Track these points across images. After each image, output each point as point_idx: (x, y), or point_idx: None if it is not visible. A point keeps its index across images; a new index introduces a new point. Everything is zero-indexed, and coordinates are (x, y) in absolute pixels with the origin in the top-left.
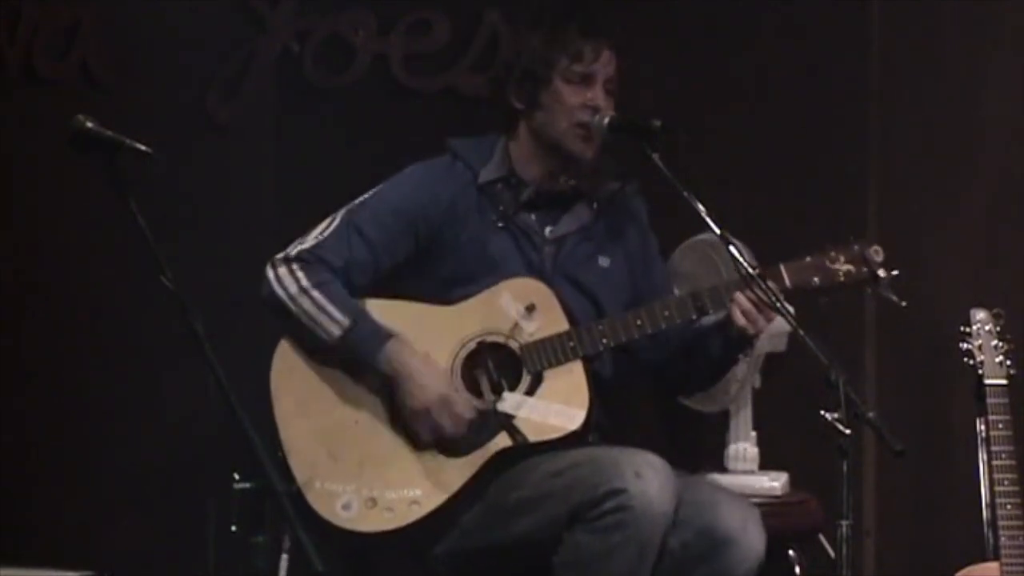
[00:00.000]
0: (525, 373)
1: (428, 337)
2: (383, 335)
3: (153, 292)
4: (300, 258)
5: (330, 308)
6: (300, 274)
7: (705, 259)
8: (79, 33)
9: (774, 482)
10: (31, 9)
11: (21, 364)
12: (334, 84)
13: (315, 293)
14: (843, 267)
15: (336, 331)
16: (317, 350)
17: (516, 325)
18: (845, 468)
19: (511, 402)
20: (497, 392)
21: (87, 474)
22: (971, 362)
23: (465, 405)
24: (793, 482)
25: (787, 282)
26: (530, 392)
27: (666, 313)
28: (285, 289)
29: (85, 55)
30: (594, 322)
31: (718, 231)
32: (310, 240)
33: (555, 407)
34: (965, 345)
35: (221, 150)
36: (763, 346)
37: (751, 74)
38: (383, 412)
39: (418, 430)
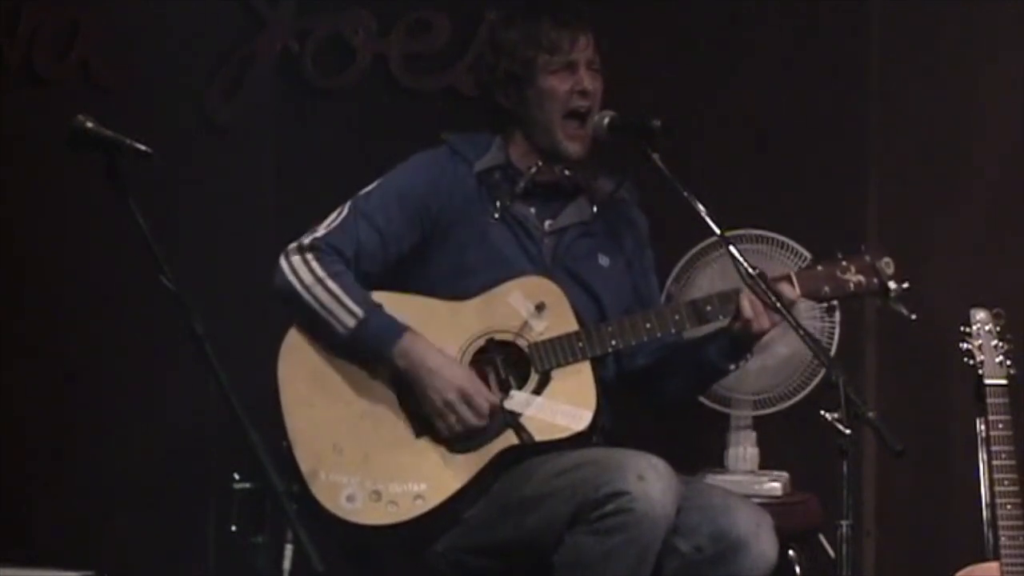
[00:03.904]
0: (533, 372)
1: (436, 332)
2: (398, 328)
3: (153, 292)
4: (314, 247)
5: (345, 299)
6: (315, 264)
7: (759, 255)
8: (79, 33)
9: (774, 482)
10: (31, 9)
11: (21, 364)
12: (334, 84)
13: (330, 283)
14: (853, 277)
15: (351, 322)
16: (328, 342)
17: (525, 323)
18: (845, 468)
19: (518, 400)
20: (504, 390)
21: (87, 474)
22: (971, 362)
23: (485, 395)
24: (793, 482)
25: (798, 290)
26: (537, 391)
27: (676, 317)
28: (300, 279)
29: (85, 55)
30: (603, 323)
31: (718, 231)
32: (321, 230)
33: (562, 407)
34: (965, 345)
35: (221, 150)
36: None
37: (751, 74)
38: (391, 404)
39: (440, 424)
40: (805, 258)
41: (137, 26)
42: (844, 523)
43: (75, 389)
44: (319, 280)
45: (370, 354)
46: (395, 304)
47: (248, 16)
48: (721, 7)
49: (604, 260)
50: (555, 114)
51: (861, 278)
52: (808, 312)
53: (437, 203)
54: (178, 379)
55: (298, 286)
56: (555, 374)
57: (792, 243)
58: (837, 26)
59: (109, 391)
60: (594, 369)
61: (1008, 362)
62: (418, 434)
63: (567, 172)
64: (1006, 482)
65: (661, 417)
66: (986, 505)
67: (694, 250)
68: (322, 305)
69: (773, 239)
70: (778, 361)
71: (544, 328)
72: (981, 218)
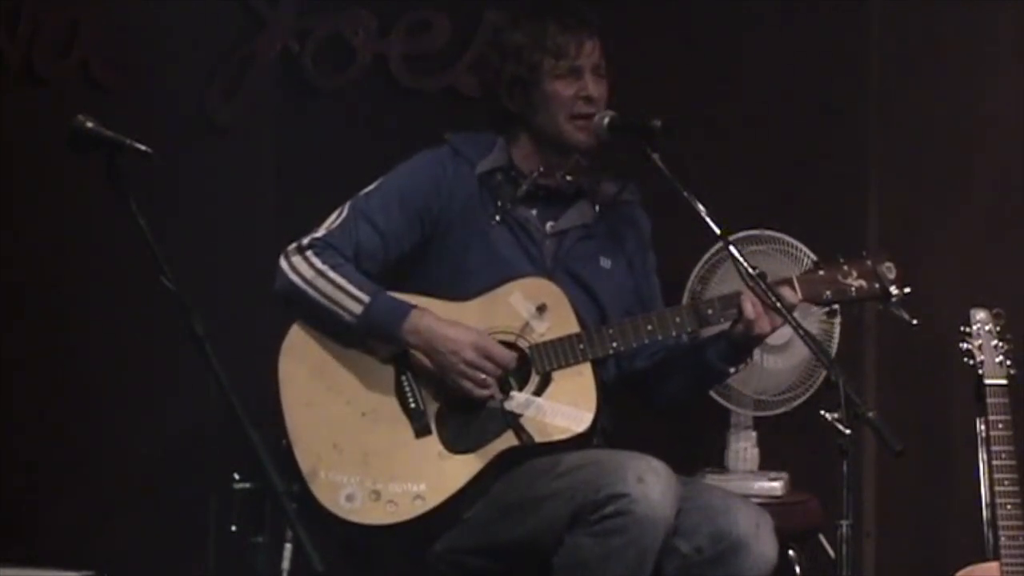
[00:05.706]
0: (534, 373)
1: None
2: (405, 306)
3: (153, 292)
4: (312, 245)
5: (348, 286)
6: (315, 259)
7: (768, 256)
8: (79, 33)
9: (774, 482)
10: (31, 9)
11: (21, 364)
12: (334, 84)
13: (332, 274)
14: (855, 282)
15: (357, 308)
16: (335, 335)
17: (526, 325)
18: (845, 468)
19: (519, 401)
20: (505, 391)
21: (87, 474)
22: (971, 362)
23: (501, 348)
24: (793, 482)
25: (799, 295)
26: (538, 392)
27: (677, 319)
28: (301, 275)
29: (85, 55)
30: (604, 325)
31: (718, 231)
32: (321, 230)
33: (562, 408)
34: (965, 345)
35: (221, 150)
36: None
37: (751, 74)
38: (392, 404)
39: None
40: (809, 259)
41: (137, 26)
42: (844, 523)
43: (75, 389)
44: (320, 273)
45: (380, 337)
46: None
47: (248, 16)
48: (722, 7)
49: (606, 262)
50: (559, 118)
51: (863, 283)
52: (819, 318)
53: (438, 203)
54: (178, 379)
55: (300, 282)
56: (556, 375)
57: (798, 243)
58: (837, 26)
59: (109, 391)
60: (595, 371)
61: (1008, 362)
62: (418, 434)
63: (568, 178)
64: (1006, 482)
65: (661, 417)
66: (986, 505)
67: (713, 248)
68: (326, 296)
69: (780, 239)
70: (801, 359)
71: (545, 329)
72: (981, 218)
